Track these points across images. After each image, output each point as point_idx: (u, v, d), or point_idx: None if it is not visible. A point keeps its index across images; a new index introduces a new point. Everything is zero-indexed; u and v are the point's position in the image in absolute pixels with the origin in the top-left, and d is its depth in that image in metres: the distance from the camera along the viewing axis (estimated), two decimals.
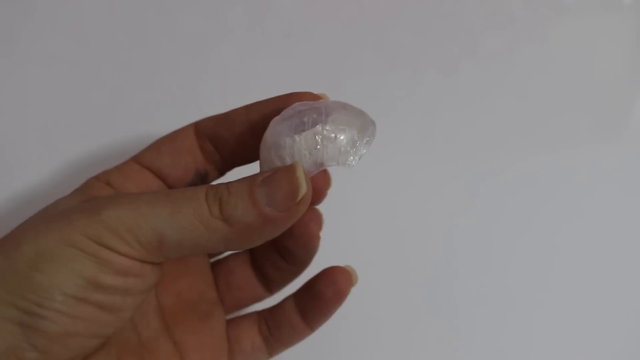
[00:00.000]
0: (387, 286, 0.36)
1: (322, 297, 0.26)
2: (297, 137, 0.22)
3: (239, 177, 0.22)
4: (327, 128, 0.22)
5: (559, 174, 0.39)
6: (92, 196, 0.24)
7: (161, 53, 0.35)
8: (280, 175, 0.21)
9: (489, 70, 0.39)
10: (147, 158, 0.25)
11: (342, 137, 0.22)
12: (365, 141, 0.22)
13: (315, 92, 0.24)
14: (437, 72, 0.38)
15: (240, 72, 0.36)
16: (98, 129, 0.34)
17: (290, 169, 0.21)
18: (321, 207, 0.27)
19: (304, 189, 0.21)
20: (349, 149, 0.22)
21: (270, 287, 0.28)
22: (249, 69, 0.36)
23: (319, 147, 0.22)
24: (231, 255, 0.29)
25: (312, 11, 0.37)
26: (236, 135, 0.25)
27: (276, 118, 0.23)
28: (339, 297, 0.26)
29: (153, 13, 0.35)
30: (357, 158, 0.22)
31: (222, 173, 0.27)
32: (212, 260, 0.29)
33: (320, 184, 0.25)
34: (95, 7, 0.34)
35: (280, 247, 0.26)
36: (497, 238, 0.38)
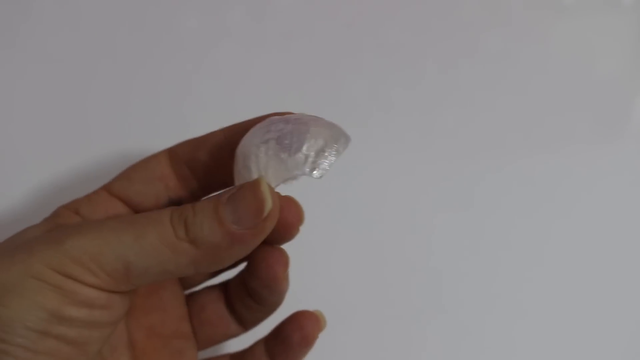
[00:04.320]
0: (379, 284, 0.36)
1: (289, 342, 0.25)
2: (262, 146, 0.21)
3: None
4: (294, 137, 0.21)
5: (559, 173, 0.39)
6: (59, 224, 0.23)
7: (161, 53, 0.35)
8: (244, 191, 0.21)
9: (488, 70, 0.39)
10: (117, 187, 0.25)
11: (307, 146, 0.21)
12: (333, 151, 0.21)
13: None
14: (436, 71, 0.39)
15: (240, 72, 0.36)
16: (97, 129, 0.34)
17: (254, 184, 0.21)
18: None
19: (269, 203, 0.21)
20: (315, 158, 0.21)
21: (244, 325, 0.27)
22: (248, 68, 0.36)
23: (283, 155, 0.21)
24: (205, 290, 0.28)
25: (312, 11, 0.38)
26: (214, 158, 0.25)
27: (248, 132, 0.22)
28: (306, 342, 0.25)
29: (152, 13, 0.35)
30: (323, 168, 0.21)
31: (197, 200, 0.26)
32: (187, 292, 0.28)
33: (291, 219, 0.23)
34: (94, 6, 0.34)
35: (249, 288, 0.26)
36: (495, 237, 0.38)
